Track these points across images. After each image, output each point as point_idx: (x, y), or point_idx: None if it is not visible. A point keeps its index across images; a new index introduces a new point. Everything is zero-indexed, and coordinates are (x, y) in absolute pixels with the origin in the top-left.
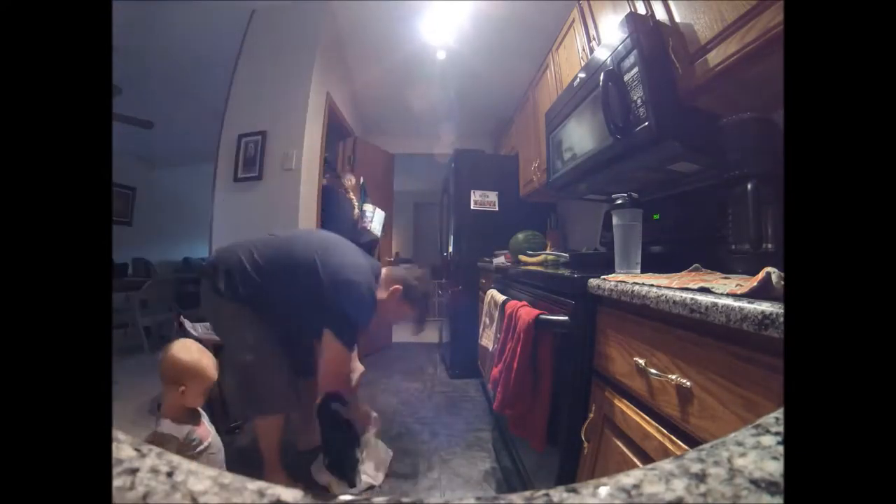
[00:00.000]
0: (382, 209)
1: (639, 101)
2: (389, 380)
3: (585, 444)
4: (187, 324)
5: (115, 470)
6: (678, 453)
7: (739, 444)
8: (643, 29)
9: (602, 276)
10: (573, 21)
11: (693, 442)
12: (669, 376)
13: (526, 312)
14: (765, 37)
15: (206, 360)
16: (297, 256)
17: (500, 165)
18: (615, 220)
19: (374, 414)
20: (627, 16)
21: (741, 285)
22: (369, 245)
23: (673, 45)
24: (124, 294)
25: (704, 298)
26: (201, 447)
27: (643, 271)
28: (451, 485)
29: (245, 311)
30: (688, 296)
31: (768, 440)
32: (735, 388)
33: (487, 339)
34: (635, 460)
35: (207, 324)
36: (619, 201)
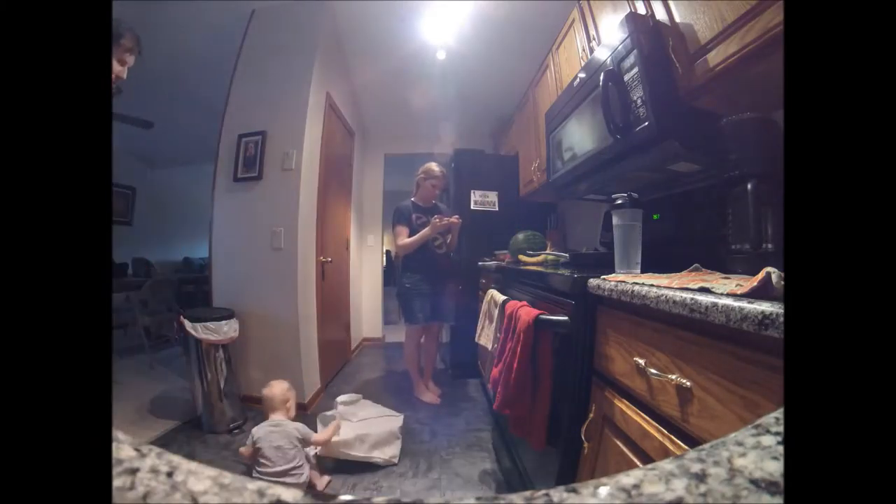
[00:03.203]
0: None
1: (639, 100)
2: (388, 379)
3: (585, 444)
4: (187, 324)
5: (115, 470)
6: (678, 453)
7: (739, 444)
8: (643, 29)
9: (602, 276)
10: (573, 21)
11: (693, 442)
12: (669, 376)
13: (526, 312)
14: (765, 37)
15: (284, 388)
16: None
17: (500, 165)
18: (615, 220)
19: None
20: (627, 16)
21: (741, 285)
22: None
23: (673, 45)
24: (124, 294)
25: (704, 298)
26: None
27: (643, 271)
28: (451, 485)
29: None
30: (688, 296)
31: (768, 440)
32: (735, 388)
33: (486, 339)
34: (635, 460)
35: (207, 324)
36: (619, 201)
